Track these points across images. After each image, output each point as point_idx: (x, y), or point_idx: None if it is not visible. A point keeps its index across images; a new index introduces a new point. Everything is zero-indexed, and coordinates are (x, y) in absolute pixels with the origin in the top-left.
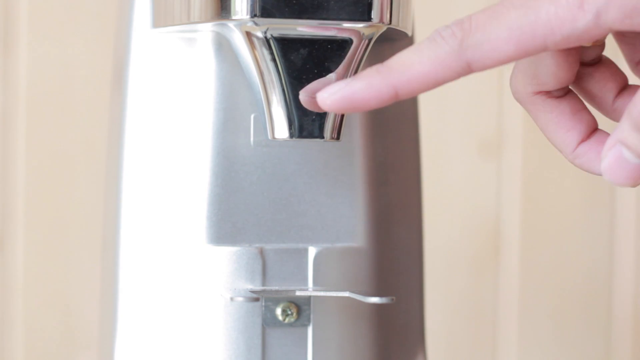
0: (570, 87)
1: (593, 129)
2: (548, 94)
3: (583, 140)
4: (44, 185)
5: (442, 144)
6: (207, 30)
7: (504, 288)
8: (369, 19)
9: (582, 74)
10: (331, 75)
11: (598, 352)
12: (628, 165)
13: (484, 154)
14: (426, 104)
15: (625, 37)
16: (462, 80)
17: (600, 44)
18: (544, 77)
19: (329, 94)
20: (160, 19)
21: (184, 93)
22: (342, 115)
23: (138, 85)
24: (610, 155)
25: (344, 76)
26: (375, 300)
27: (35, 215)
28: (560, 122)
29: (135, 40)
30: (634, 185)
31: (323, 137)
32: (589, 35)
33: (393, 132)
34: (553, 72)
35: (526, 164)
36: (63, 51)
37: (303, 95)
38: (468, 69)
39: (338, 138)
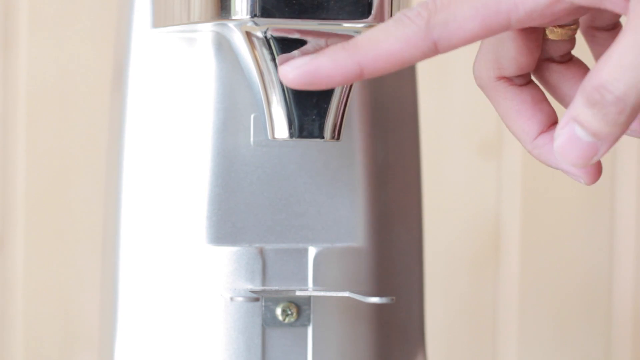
0: (540, 84)
1: (553, 122)
2: (510, 80)
3: (543, 132)
4: (44, 185)
5: (442, 144)
6: (207, 30)
7: (504, 288)
8: (368, 18)
9: (553, 71)
10: (294, 52)
11: (598, 352)
12: (581, 144)
13: (484, 154)
14: (426, 104)
15: (595, 37)
16: (462, 81)
17: (569, 38)
18: (505, 62)
19: (292, 67)
20: (160, 19)
21: (184, 93)
22: (342, 115)
23: (138, 85)
24: (563, 133)
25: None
26: (375, 300)
27: (35, 215)
28: (521, 111)
29: (135, 40)
30: (586, 165)
31: (323, 137)
32: (551, 11)
33: (393, 133)
34: (513, 57)
35: (526, 164)
36: (63, 51)
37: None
38: (434, 49)
39: (338, 138)
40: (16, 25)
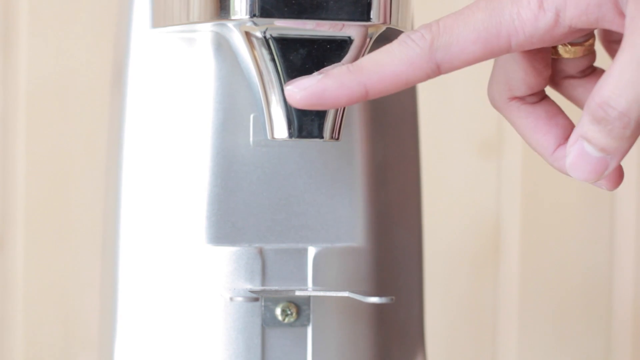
0: (569, 100)
1: (571, 133)
2: (522, 100)
3: (561, 144)
4: (44, 185)
5: (442, 144)
6: (206, 30)
7: (504, 288)
8: (368, 18)
9: (576, 86)
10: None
11: (598, 352)
12: (591, 159)
13: (484, 154)
14: (426, 104)
15: (614, 49)
16: (463, 81)
17: (584, 55)
18: (515, 83)
19: (299, 89)
20: (159, 19)
21: (184, 93)
22: (342, 115)
23: (138, 85)
24: (573, 150)
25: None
26: (375, 300)
27: (35, 215)
28: (537, 127)
29: (135, 40)
30: (597, 180)
31: (322, 137)
32: (551, 35)
33: (393, 132)
34: (522, 78)
35: (526, 164)
36: (63, 51)
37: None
38: (437, 70)
39: (338, 138)
40: (16, 25)
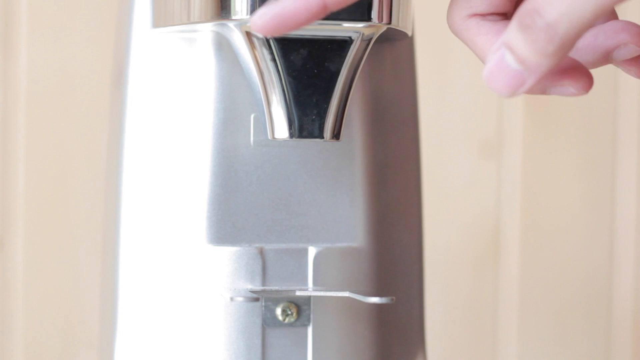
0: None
1: None
2: (482, 17)
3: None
4: (44, 185)
5: (442, 144)
6: (207, 30)
7: (504, 288)
8: (368, 19)
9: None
10: None
11: (598, 352)
12: (508, 71)
13: (484, 154)
14: (426, 104)
15: None
16: (462, 81)
17: None
18: (477, 1)
19: (259, 15)
20: (160, 19)
21: (184, 93)
22: (342, 115)
23: (138, 85)
24: (493, 59)
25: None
26: (375, 300)
27: (35, 215)
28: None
29: (135, 40)
30: (510, 96)
31: (323, 137)
32: None
33: (393, 132)
34: None
35: (526, 164)
36: (63, 51)
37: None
38: None
39: (338, 138)
40: (16, 25)
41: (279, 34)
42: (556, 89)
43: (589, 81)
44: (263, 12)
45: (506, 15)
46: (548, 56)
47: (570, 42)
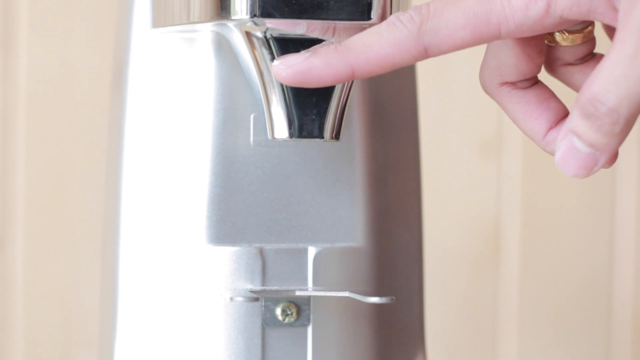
0: (571, 88)
1: (562, 116)
2: (513, 85)
3: (552, 127)
4: (44, 185)
5: (442, 144)
6: (206, 30)
7: (504, 288)
8: (368, 18)
9: (575, 73)
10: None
11: (598, 352)
12: (580, 155)
13: (484, 154)
14: (426, 104)
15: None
16: (463, 80)
17: (582, 42)
18: (506, 69)
19: (286, 65)
20: (160, 18)
21: (184, 93)
22: (342, 115)
23: (138, 85)
24: (563, 145)
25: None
26: (375, 300)
27: (35, 215)
28: (528, 111)
29: (135, 40)
30: (586, 176)
31: (323, 137)
32: (542, 24)
33: (393, 132)
34: (514, 64)
35: (526, 164)
36: (63, 51)
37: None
38: (425, 54)
39: (338, 138)
40: (16, 25)
41: (298, 86)
42: None
43: (613, 159)
44: (290, 62)
45: (535, 79)
46: (615, 136)
47: (634, 119)
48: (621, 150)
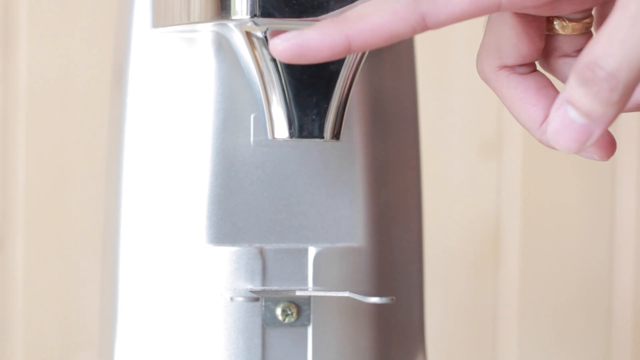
0: (561, 80)
1: None
2: (512, 69)
3: (548, 116)
4: (44, 185)
5: (442, 144)
6: (207, 30)
7: (504, 288)
8: None
9: (570, 64)
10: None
11: (598, 352)
12: (574, 126)
13: (484, 154)
14: (426, 104)
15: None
16: (462, 81)
17: (582, 32)
18: (506, 50)
19: (281, 40)
20: (160, 18)
21: (184, 93)
22: (342, 115)
23: (138, 85)
24: (557, 116)
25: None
26: (375, 300)
27: (35, 215)
28: (525, 98)
29: (135, 40)
30: (580, 149)
31: (323, 137)
32: None
33: (393, 132)
34: (514, 45)
35: (526, 164)
36: (63, 51)
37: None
38: (423, 23)
39: (338, 138)
40: (16, 25)
41: (296, 62)
42: (581, 153)
43: (612, 148)
44: (286, 37)
45: (534, 66)
46: (613, 104)
47: (632, 87)
48: (621, 150)
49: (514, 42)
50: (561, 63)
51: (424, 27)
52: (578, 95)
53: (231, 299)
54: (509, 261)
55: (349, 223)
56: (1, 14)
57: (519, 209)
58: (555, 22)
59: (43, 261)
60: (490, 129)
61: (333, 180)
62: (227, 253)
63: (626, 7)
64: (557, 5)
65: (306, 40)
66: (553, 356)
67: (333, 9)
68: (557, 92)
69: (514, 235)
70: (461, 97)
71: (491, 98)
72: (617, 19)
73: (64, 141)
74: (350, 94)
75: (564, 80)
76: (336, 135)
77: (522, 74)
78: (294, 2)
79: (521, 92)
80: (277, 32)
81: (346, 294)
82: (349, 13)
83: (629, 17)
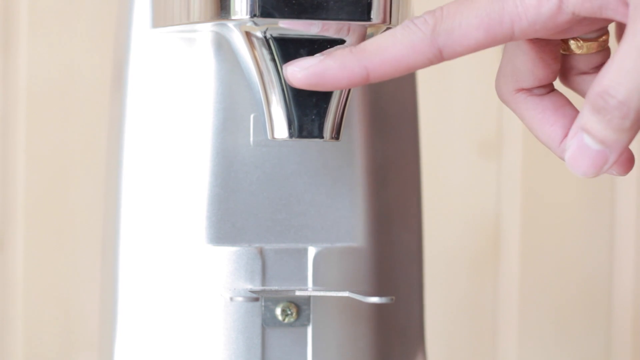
0: (581, 95)
1: None
2: (529, 91)
3: (567, 135)
4: (44, 185)
5: (442, 144)
6: (206, 30)
7: (504, 288)
8: (368, 18)
9: (588, 82)
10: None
11: (598, 352)
12: (590, 153)
13: (484, 154)
14: (426, 104)
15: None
16: (463, 80)
17: (598, 51)
18: (522, 75)
19: (300, 67)
20: (159, 19)
21: (184, 93)
22: (342, 115)
23: (138, 85)
24: (573, 144)
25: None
26: (375, 300)
27: (35, 215)
28: (544, 119)
29: (135, 40)
30: (596, 175)
31: (323, 137)
32: (554, 22)
33: (393, 132)
34: (530, 69)
35: (526, 164)
36: (63, 51)
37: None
38: (439, 55)
39: (338, 138)
40: (16, 25)
41: (312, 89)
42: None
43: (630, 164)
44: (304, 65)
45: (551, 87)
46: (625, 131)
47: None
48: None
49: (529, 67)
50: (579, 80)
51: (440, 58)
52: (592, 122)
53: (231, 299)
54: (509, 261)
55: (349, 223)
56: (1, 14)
57: (519, 209)
58: (570, 42)
59: (43, 261)
60: (490, 129)
61: (333, 180)
62: (227, 253)
63: (633, 37)
64: (570, 30)
65: (325, 69)
66: (553, 356)
67: (332, 9)
68: (575, 110)
69: (514, 235)
70: (461, 97)
71: (491, 98)
72: (625, 49)
73: (64, 141)
74: (350, 94)
75: (583, 95)
76: (336, 135)
77: (540, 95)
78: (294, 2)
79: (539, 113)
80: (293, 61)
81: (346, 294)
82: (368, 44)
83: (636, 47)
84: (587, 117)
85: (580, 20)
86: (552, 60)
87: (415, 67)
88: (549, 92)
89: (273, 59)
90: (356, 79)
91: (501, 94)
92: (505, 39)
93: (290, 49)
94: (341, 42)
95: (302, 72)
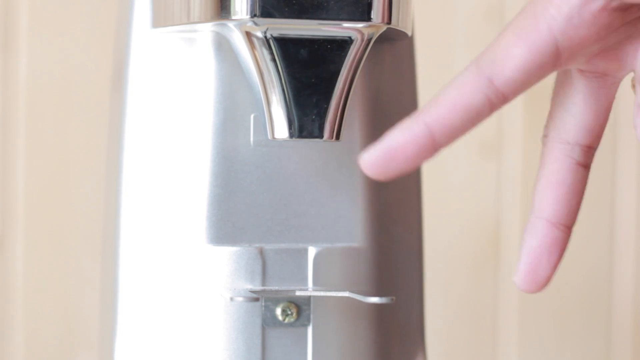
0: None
1: None
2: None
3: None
4: (44, 185)
5: None
6: (207, 30)
7: (504, 288)
8: (368, 19)
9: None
10: None
11: (598, 352)
12: None
13: (484, 154)
14: None
15: None
16: None
17: None
18: (571, 126)
19: (369, 154)
20: (160, 18)
21: (184, 93)
22: (342, 116)
23: (138, 85)
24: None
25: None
26: (375, 300)
27: (35, 215)
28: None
29: (135, 40)
30: None
31: (323, 137)
32: (590, 12)
33: None
34: (579, 114)
35: (526, 164)
36: (63, 51)
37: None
38: (493, 87)
39: (338, 138)
40: (16, 25)
41: (389, 173)
42: None
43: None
44: (372, 149)
45: (587, 160)
46: None
47: None
48: (621, 150)
49: (580, 110)
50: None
51: (496, 90)
52: None
53: (231, 299)
54: (509, 261)
55: (349, 223)
56: (1, 14)
57: (519, 209)
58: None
59: (43, 261)
60: (490, 129)
61: (333, 180)
62: (227, 253)
63: None
64: (604, 23)
65: (390, 142)
66: (553, 356)
67: (333, 9)
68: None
69: (514, 235)
70: None
71: None
72: None
73: (64, 141)
74: (350, 94)
75: (607, 73)
76: (336, 135)
77: (573, 161)
78: (294, 2)
79: (561, 165)
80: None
81: (346, 294)
82: (424, 105)
83: None
84: None
85: (617, 11)
86: (603, 111)
87: (476, 108)
88: (578, 165)
89: (273, 59)
90: (420, 140)
91: (546, 138)
92: (550, 48)
93: (290, 49)
94: (342, 41)
95: (371, 156)
